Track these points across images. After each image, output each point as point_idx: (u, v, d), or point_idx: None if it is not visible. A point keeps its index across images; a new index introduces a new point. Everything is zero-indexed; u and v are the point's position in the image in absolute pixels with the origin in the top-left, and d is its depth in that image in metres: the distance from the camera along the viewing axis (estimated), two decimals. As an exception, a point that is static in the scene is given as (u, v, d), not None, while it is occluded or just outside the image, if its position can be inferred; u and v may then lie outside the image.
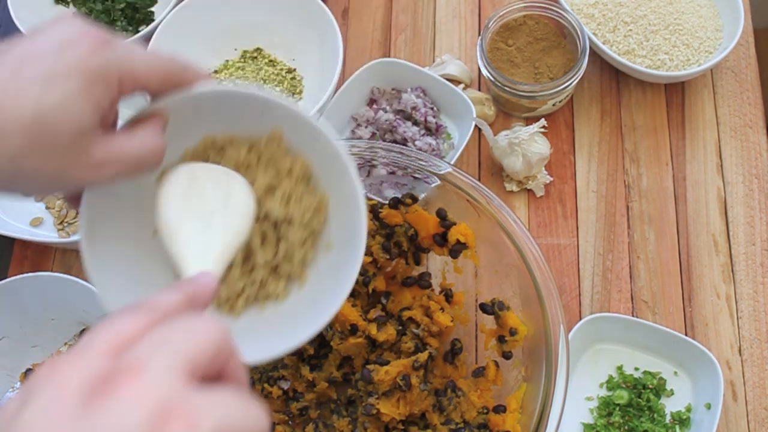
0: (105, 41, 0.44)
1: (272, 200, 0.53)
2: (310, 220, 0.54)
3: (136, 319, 0.36)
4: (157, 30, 0.95)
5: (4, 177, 0.43)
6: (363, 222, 0.53)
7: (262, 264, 0.54)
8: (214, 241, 0.47)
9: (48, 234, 0.93)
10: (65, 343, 0.88)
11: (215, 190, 0.50)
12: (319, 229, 0.55)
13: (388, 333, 0.75)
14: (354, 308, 0.76)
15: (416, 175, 0.76)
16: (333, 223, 0.55)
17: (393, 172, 0.79)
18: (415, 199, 0.76)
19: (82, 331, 0.87)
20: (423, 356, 0.74)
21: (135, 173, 0.47)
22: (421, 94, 0.94)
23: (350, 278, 0.53)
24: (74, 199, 0.51)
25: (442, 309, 0.77)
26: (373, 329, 0.75)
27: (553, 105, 0.94)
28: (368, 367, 0.73)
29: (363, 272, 0.76)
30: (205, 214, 0.48)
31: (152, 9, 1.06)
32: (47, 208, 0.95)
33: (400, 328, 0.77)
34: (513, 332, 0.73)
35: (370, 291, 0.78)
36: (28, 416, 0.32)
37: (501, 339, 0.74)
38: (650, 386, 0.82)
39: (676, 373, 0.84)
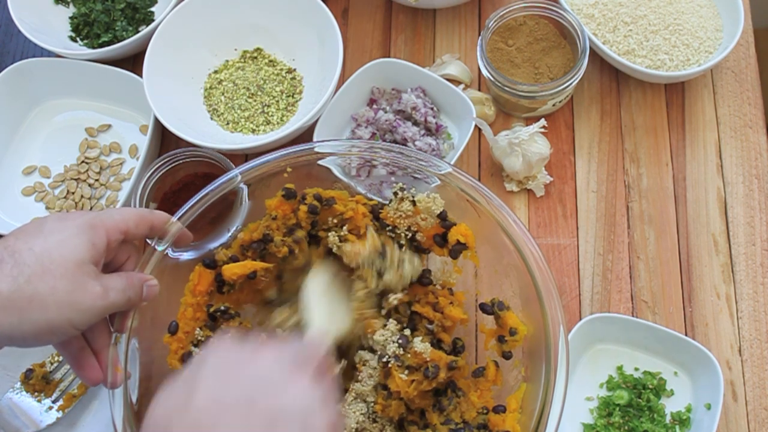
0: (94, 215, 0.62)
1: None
2: None
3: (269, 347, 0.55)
4: (157, 30, 0.95)
5: (22, 301, 0.56)
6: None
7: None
8: (331, 321, 0.72)
9: (48, 234, 0.93)
10: (65, 343, 0.87)
11: (338, 290, 0.75)
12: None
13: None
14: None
15: (416, 175, 0.76)
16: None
17: (393, 172, 0.79)
18: (415, 199, 0.76)
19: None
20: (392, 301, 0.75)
21: (128, 304, 0.63)
22: (421, 94, 0.94)
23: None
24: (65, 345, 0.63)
25: (452, 303, 0.77)
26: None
27: (553, 105, 0.94)
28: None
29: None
30: (332, 302, 0.74)
31: (152, 9, 1.06)
32: (47, 208, 0.95)
33: (407, 326, 0.76)
34: (513, 332, 0.73)
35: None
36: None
37: (501, 339, 0.74)
38: (650, 386, 0.82)
39: (676, 373, 0.84)
